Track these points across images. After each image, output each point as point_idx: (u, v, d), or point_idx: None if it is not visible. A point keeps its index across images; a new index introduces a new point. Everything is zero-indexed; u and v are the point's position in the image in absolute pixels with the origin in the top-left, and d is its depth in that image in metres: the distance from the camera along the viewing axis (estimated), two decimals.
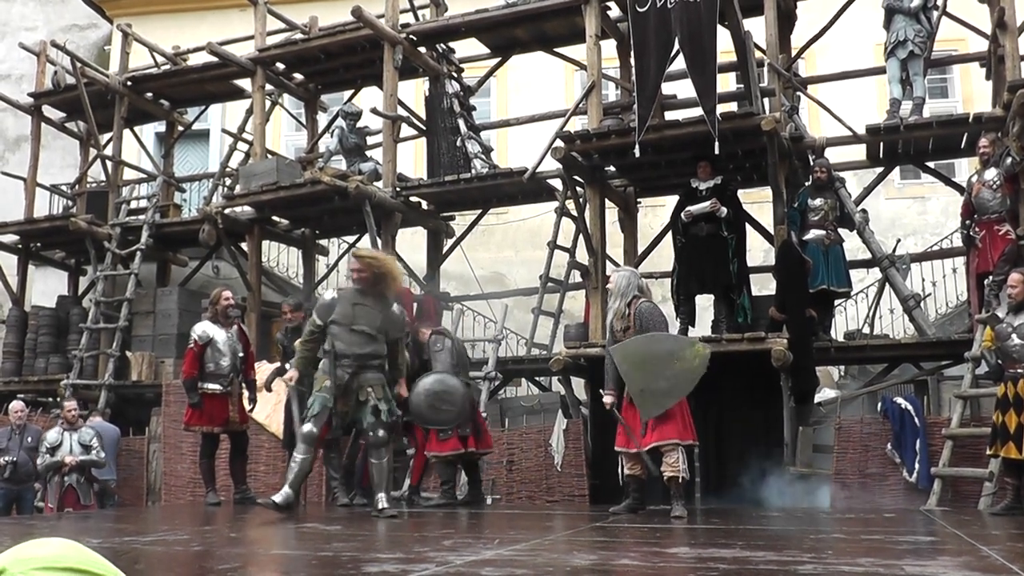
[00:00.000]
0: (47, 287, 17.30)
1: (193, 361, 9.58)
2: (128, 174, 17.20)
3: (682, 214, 10.92)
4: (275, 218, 14.28)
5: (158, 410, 12.82)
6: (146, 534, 6.53)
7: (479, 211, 14.15)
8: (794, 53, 12.69)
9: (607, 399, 8.21)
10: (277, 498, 7.82)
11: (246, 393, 10.01)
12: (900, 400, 10.06)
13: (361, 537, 6.25)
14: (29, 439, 11.69)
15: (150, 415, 13.06)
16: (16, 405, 12.06)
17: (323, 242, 15.75)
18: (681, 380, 7.80)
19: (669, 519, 7.45)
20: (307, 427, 7.87)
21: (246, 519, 8.16)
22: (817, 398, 10.80)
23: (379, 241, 12.54)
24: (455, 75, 13.95)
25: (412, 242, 14.50)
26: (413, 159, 16.49)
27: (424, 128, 14.07)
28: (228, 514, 8.82)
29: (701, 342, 8.31)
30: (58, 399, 14.08)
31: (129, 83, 16.02)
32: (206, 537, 6.16)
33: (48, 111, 16.91)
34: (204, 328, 9.71)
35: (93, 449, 11.03)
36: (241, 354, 9.85)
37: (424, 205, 13.74)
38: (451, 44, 14.11)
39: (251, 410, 10.20)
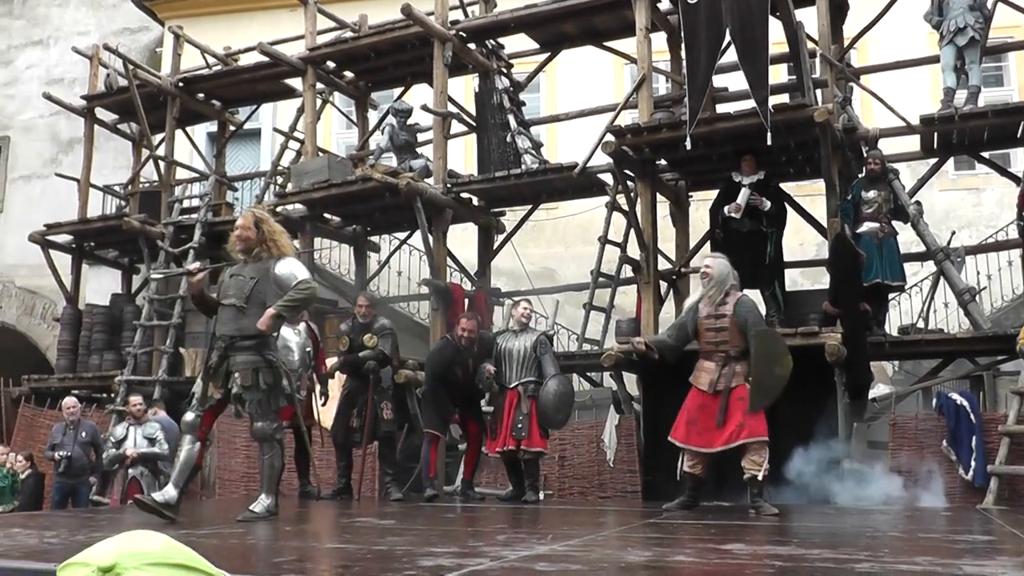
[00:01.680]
0: (100, 286, 17.51)
1: None
2: (180, 174, 17.41)
3: (725, 209, 10.76)
4: (327, 215, 14.35)
5: None
6: (201, 527, 6.59)
7: (529, 206, 14.11)
8: (846, 43, 12.51)
9: (638, 344, 8.28)
10: (158, 496, 6.78)
11: (318, 388, 10.05)
12: (955, 396, 9.92)
13: (415, 531, 6.26)
14: (83, 434, 11.89)
15: None
16: (69, 401, 12.26)
17: (374, 239, 15.81)
18: (776, 384, 7.68)
19: (730, 516, 7.39)
20: (188, 415, 6.96)
21: (301, 513, 8.20)
22: (871, 394, 10.67)
23: (430, 238, 12.57)
24: (504, 71, 13.94)
25: (463, 238, 14.52)
26: (463, 155, 16.51)
27: (474, 124, 14.07)
28: (284, 508, 8.86)
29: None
30: (113, 395, 14.28)
31: (181, 84, 16.22)
32: (261, 531, 6.20)
33: (101, 113, 17.18)
34: None
35: (157, 442, 11.19)
36: (309, 350, 9.91)
37: (475, 201, 13.75)
38: (500, 40, 14.11)
39: (324, 404, 10.16)
